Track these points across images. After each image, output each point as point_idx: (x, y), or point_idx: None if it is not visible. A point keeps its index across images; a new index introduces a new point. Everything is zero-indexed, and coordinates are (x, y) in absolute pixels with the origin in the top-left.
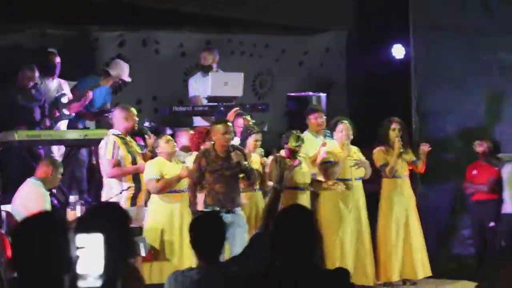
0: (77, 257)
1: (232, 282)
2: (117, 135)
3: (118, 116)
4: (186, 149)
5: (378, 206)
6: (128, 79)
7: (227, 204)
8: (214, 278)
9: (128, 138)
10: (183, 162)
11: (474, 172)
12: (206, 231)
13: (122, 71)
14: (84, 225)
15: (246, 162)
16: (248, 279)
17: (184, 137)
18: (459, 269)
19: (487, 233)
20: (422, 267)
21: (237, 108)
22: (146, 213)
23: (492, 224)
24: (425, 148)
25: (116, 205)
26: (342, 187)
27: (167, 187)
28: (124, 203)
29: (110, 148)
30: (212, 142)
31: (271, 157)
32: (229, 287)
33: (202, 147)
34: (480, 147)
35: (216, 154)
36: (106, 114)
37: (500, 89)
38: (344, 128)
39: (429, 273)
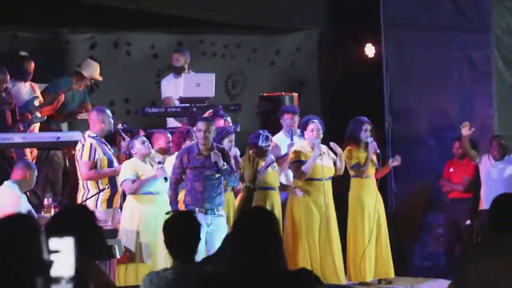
0: (51, 260)
1: (203, 282)
2: (94, 137)
3: (94, 118)
4: (162, 151)
5: (346, 207)
6: (99, 78)
7: (206, 204)
8: (188, 277)
9: (104, 140)
10: (159, 163)
11: (451, 170)
12: (180, 230)
13: (95, 71)
14: (52, 229)
15: (224, 163)
16: (212, 279)
17: (162, 139)
18: (434, 267)
19: (462, 231)
20: (391, 267)
21: (210, 111)
22: (121, 215)
23: (468, 222)
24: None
25: (81, 207)
26: (301, 193)
27: (142, 188)
28: (100, 205)
29: (86, 150)
30: (195, 141)
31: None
32: (199, 287)
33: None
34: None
35: (199, 152)
36: (76, 116)
37: (471, 87)
38: (314, 128)
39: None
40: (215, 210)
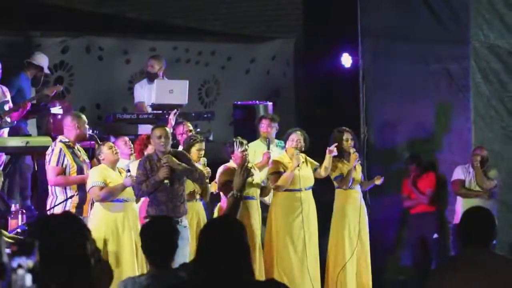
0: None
1: None
2: (65, 143)
3: (69, 124)
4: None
5: (330, 218)
6: (47, 71)
7: (170, 214)
8: (163, 284)
9: (77, 147)
10: (128, 171)
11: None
12: (157, 236)
13: (43, 60)
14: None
15: (179, 163)
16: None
17: (122, 146)
18: (408, 280)
19: (430, 245)
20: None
21: (176, 110)
22: (89, 222)
23: (435, 235)
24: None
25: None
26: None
27: (110, 196)
28: None
29: (55, 155)
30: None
31: (220, 169)
32: None
33: (145, 153)
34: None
35: (158, 159)
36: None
37: (448, 99)
38: (295, 138)
39: None
40: (179, 220)
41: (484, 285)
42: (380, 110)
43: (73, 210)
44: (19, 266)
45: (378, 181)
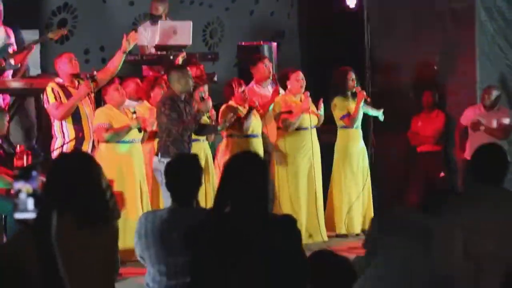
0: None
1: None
2: (57, 83)
3: (60, 64)
4: (133, 98)
5: (329, 157)
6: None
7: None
8: (182, 219)
9: (72, 89)
10: (133, 113)
11: (419, 123)
12: (182, 172)
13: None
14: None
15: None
16: (199, 225)
17: (131, 86)
18: (414, 219)
19: (436, 183)
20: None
21: (184, 54)
22: None
23: (442, 174)
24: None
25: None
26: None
27: (116, 137)
28: None
29: (50, 93)
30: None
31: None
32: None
33: (152, 95)
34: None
35: (181, 99)
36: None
37: (453, 39)
38: (299, 78)
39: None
40: None
41: (496, 220)
42: (385, 50)
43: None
44: (19, 190)
45: (381, 118)
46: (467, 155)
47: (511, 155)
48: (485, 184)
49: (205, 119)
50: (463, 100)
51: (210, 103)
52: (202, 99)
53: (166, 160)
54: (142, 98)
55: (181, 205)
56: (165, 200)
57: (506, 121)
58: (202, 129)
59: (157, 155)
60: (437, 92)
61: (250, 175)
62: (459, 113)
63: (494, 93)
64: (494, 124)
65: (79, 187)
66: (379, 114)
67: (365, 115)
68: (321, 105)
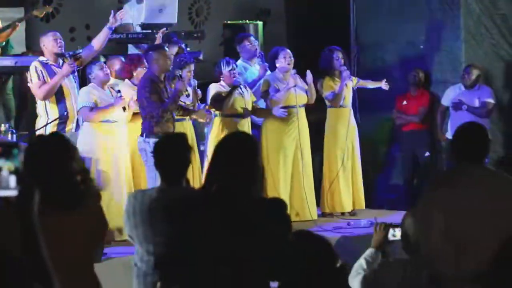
0: None
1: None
2: (41, 62)
3: (45, 42)
4: (118, 77)
5: (320, 136)
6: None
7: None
8: (171, 198)
9: (56, 68)
10: (118, 91)
11: (404, 102)
12: (170, 151)
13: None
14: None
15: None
16: (186, 203)
17: (117, 65)
18: (398, 199)
19: (421, 163)
20: (362, 198)
21: (165, 29)
22: (78, 141)
23: (427, 154)
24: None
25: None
26: (280, 112)
27: (100, 116)
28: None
29: (33, 72)
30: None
31: (211, 86)
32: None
33: (134, 74)
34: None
35: (161, 80)
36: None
37: (439, 18)
38: (286, 55)
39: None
40: None
41: (479, 197)
42: (371, 29)
43: (54, 128)
44: (1, 168)
45: (385, 87)
46: (449, 135)
47: (494, 134)
48: (466, 163)
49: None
50: (449, 80)
51: (187, 82)
52: (180, 77)
53: (151, 140)
54: (125, 77)
55: (170, 185)
56: (149, 180)
57: (488, 99)
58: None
59: (142, 135)
60: (422, 72)
61: (240, 156)
62: (444, 93)
63: (475, 72)
64: (476, 103)
65: (45, 170)
66: (381, 85)
67: (365, 91)
68: (310, 77)
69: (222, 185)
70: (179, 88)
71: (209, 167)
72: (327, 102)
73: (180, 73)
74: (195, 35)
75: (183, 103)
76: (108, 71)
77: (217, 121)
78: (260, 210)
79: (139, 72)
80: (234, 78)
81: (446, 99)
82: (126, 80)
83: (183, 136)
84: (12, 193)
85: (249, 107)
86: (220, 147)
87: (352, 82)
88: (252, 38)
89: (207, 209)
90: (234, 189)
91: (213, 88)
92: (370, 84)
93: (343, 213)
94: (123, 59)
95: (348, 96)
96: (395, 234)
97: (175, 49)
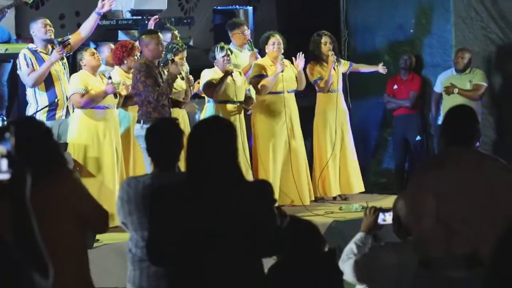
0: None
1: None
2: (30, 49)
3: (35, 29)
4: (108, 64)
5: (312, 122)
6: None
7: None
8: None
9: (45, 56)
10: (109, 78)
11: (395, 87)
12: (162, 137)
13: None
14: None
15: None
16: (168, 188)
17: (106, 51)
18: (389, 184)
19: (412, 147)
20: (357, 182)
21: (156, 16)
22: (69, 128)
23: (418, 138)
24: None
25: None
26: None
27: (91, 102)
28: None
29: (22, 60)
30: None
31: (205, 71)
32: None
33: (125, 62)
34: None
35: (155, 65)
36: None
37: (428, 1)
38: (276, 41)
39: (363, 189)
40: None
41: (469, 180)
42: (361, 13)
43: (44, 115)
44: None
45: (383, 70)
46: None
47: (486, 118)
48: (456, 146)
49: (180, 84)
50: (439, 63)
51: (182, 67)
52: (173, 60)
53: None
54: (116, 64)
55: (163, 170)
56: (147, 167)
57: (479, 81)
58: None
59: (138, 122)
60: (414, 56)
61: (217, 139)
62: (435, 76)
63: (467, 56)
64: (468, 86)
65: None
66: (378, 68)
67: (355, 76)
68: (300, 63)
69: (204, 168)
70: (173, 71)
71: (187, 151)
72: (316, 88)
73: (172, 57)
74: (185, 21)
75: (175, 90)
76: (99, 57)
77: (210, 106)
78: (244, 192)
79: (131, 60)
80: (228, 64)
81: (439, 86)
82: (117, 66)
83: (174, 121)
84: (4, 176)
85: (241, 93)
86: (197, 131)
87: (343, 67)
88: (244, 27)
89: (189, 193)
90: (214, 173)
91: (206, 74)
92: (364, 68)
93: (334, 198)
94: (112, 45)
95: (336, 81)
96: (385, 218)
97: (168, 36)
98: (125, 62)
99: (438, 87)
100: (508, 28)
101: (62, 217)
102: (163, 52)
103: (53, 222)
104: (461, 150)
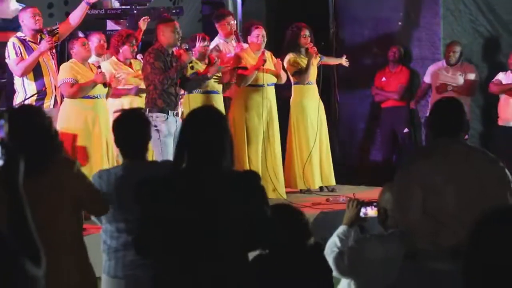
0: None
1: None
2: (19, 38)
3: (24, 18)
4: (97, 54)
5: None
6: None
7: (177, 107)
8: (137, 175)
9: (34, 45)
10: (98, 67)
11: (383, 79)
12: (129, 128)
13: None
14: None
15: None
16: (156, 180)
17: (96, 41)
18: (376, 176)
19: (400, 139)
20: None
21: (147, 17)
22: (59, 117)
23: (406, 130)
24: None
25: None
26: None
27: (81, 92)
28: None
29: (11, 49)
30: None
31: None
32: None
33: (121, 51)
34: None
35: (169, 53)
36: None
37: None
38: (259, 34)
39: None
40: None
41: (455, 171)
42: (349, 5)
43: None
44: None
45: (346, 63)
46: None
47: (473, 110)
48: (443, 138)
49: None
50: (427, 56)
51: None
52: (187, 49)
53: (154, 115)
54: (111, 53)
55: (134, 160)
56: (156, 155)
57: (471, 77)
58: (185, 82)
59: (145, 110)
60: (402, 48)
61: (207, 130)
62: (423, 69)
63: (458, 49)
64: (460, 80)
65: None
66: (341, 61)
67: (329, 68)
68: (279, 65)
69: (192, 159)
70: (184, 59)
71: (177, 142)
72: (292, 79)
73: (187, 46)
74: (173, 11)
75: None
76: (90, 47)
77: (186, 98)
78: (232, 182)
79: (125, 50)
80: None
81: (428, 77)
82: (113, 57)
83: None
84: None
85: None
86: (187, 121)
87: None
88: (230, 18)
89: (176, 185)
90: (203, 164)
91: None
92: (332, 61)
93: (321, 189)
94: (102, 35)
95: (314, 73)
96: (367, 212)
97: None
98: (120, 51)
99: (427, 78)
100: (497, 21)
101: (61, 204)
102: (179, 40)
103: (52, 209)
104: (449, 143)
